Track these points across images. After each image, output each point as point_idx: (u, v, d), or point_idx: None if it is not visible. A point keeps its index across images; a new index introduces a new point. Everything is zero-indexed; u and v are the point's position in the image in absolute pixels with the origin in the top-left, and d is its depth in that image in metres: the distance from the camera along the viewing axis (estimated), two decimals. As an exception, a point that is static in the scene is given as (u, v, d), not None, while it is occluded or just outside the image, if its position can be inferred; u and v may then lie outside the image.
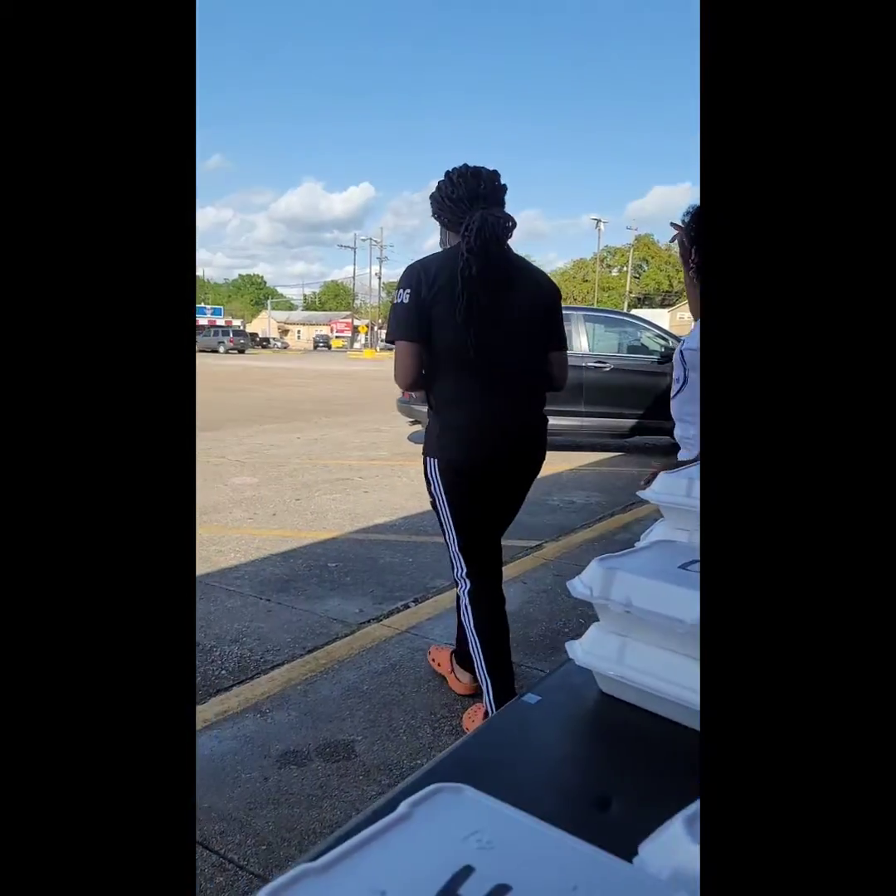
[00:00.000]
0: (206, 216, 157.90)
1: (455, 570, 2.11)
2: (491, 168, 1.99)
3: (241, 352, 46.27)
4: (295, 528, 4.54)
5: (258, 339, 60.82)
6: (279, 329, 75.80)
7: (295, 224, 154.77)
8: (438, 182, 2.02)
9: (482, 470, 2.00)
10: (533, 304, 2.01)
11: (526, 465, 2.10)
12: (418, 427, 7.78)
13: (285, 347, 65.53)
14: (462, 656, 2.31)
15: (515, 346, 1.97)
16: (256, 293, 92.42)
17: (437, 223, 2.06)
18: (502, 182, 1.98)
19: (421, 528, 4.45)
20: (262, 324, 75.17)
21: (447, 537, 2.07)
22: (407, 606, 3.18)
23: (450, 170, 2.00)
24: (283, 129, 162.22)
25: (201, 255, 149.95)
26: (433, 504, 2.07)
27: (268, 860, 1.60)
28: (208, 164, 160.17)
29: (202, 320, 64.24)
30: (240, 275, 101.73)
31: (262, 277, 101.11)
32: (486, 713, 2.09)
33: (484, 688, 2.05)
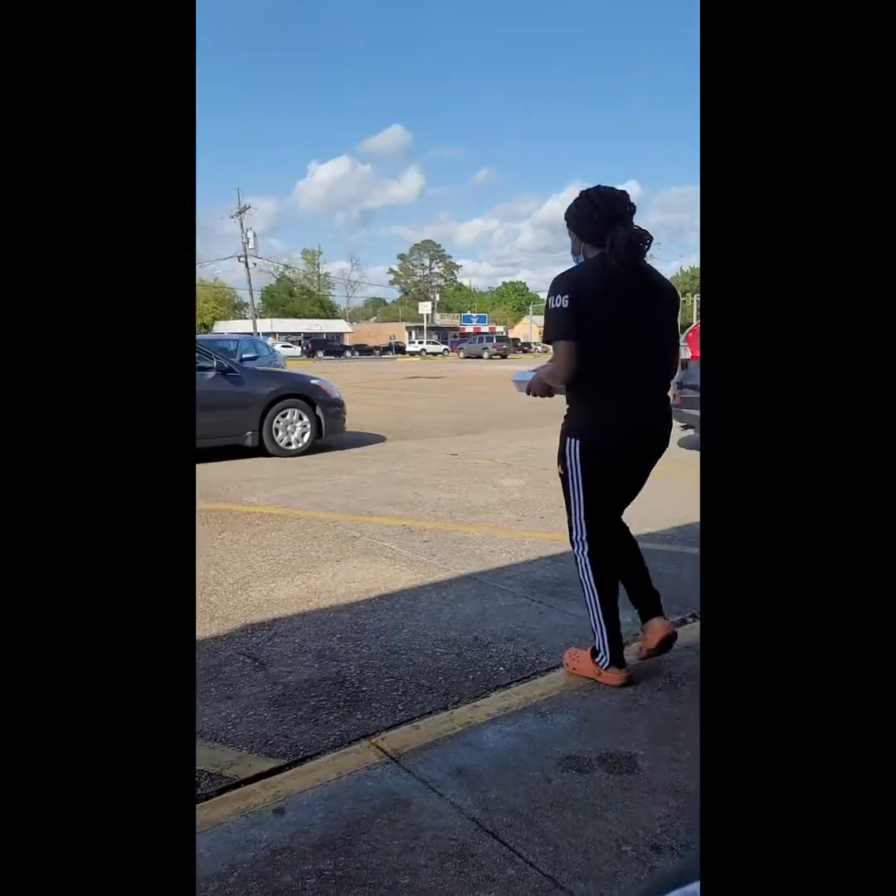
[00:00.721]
0: (473, 228, 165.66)
1: (575, 533, 2.44)
2: (621, 188, 2.30)
3: (504, 357, 47.86)
4: (563, 531, 4.56)
5: (519, 343, 62.48)
6: (539, 333, 77.01)
7: (558, 228, 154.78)
8: (575, 201, 2.32)
9: (616, 452, 2.31)
10: (662, 307, 2.31)
11: (653, 449, 2.39)
12: (691, 431, 7.40)
13: (546, 351, 66.39)
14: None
15: (650, 345, 2.28)
16: (518, 299, 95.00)
17: (572, 235, 2.38)
18: (633, 201, 2.28)
19: (693, 538, 4.24)
20: (524, 329, 77.08)
21: (573, 505, 2.39)
22: (684, 621, 3.04)
23: (586, 190, 2.31)
24: (549, 136, 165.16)
25: (468, 265, 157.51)
26: (563, 476, 2.39)
27: (556, 862, 1.62)
28: (477, 178, 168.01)
29: (468, 328, 67.63)
30: (503, 282, 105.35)
31: (524, 283, 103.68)
32: (594, 651, 2.45)
33: (597, 632, 2.43)
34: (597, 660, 2.45)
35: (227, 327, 52.46)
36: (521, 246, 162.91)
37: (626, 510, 2.57)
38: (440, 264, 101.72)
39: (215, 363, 7.29)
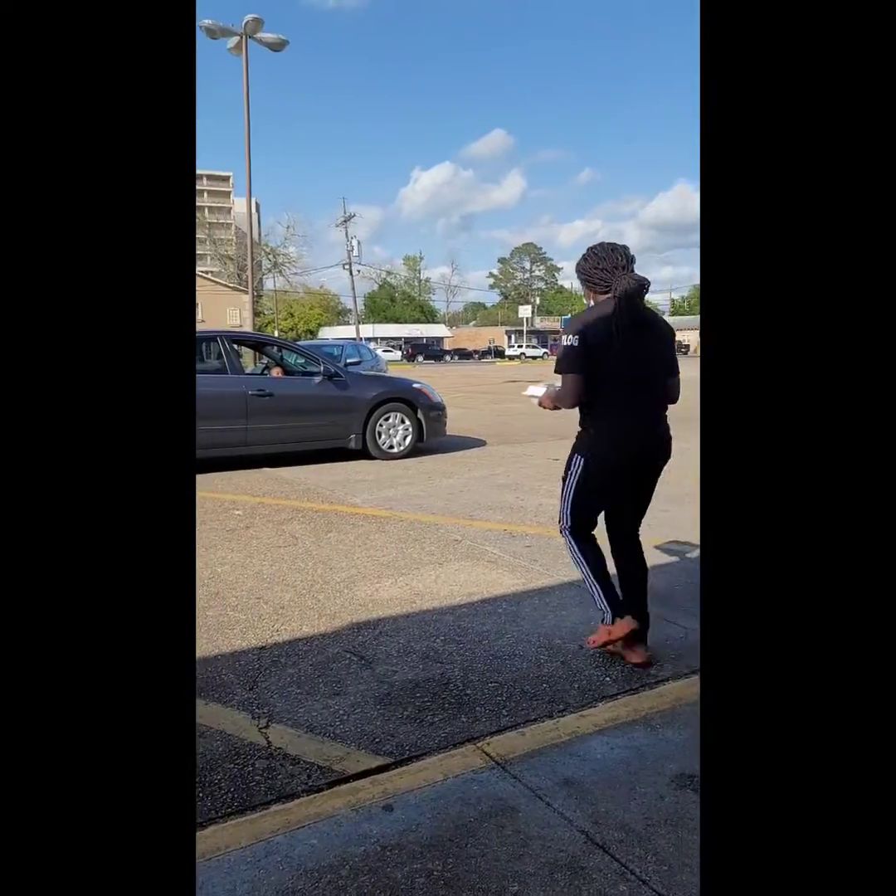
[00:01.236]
0: (575, 229, 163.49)
1: (562, 522, 2.86)
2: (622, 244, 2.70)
3: (605, 360, 46.86)
4: (668, 538, 4.43)
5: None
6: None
7: (665, 228, 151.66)
8: (583, 256, 2.73)
9: (617, 468, 2.69)
10: (658, 343, 2.68)
11: (655, 464, 2.75)
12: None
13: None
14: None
15: (649, 374, 2.66)
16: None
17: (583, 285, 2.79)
18: (632, 253, 2.67)
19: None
20: (626, 332, 75.28)
21: (563, 501, 2.83)
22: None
23: (591, 247, 2.73)
24: (654, 135, 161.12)
25: (569, 268, 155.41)
26: (564, 479, 2.81)
27: (671, 882, 1.57)
28: (579, 178, 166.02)
29: (568, 331, 66.69)
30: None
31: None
32: (603, 612, 2.82)
33: (595, 594, 2.83)
34: (603, 621, 2.81)
35: (331, 333, 54.04)
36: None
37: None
38: (541, 267, 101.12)
39: (322, 368, 7.51)
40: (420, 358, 54.31)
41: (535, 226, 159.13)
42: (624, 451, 2.67)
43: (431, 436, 8.00)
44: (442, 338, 69.56)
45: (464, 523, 4.98)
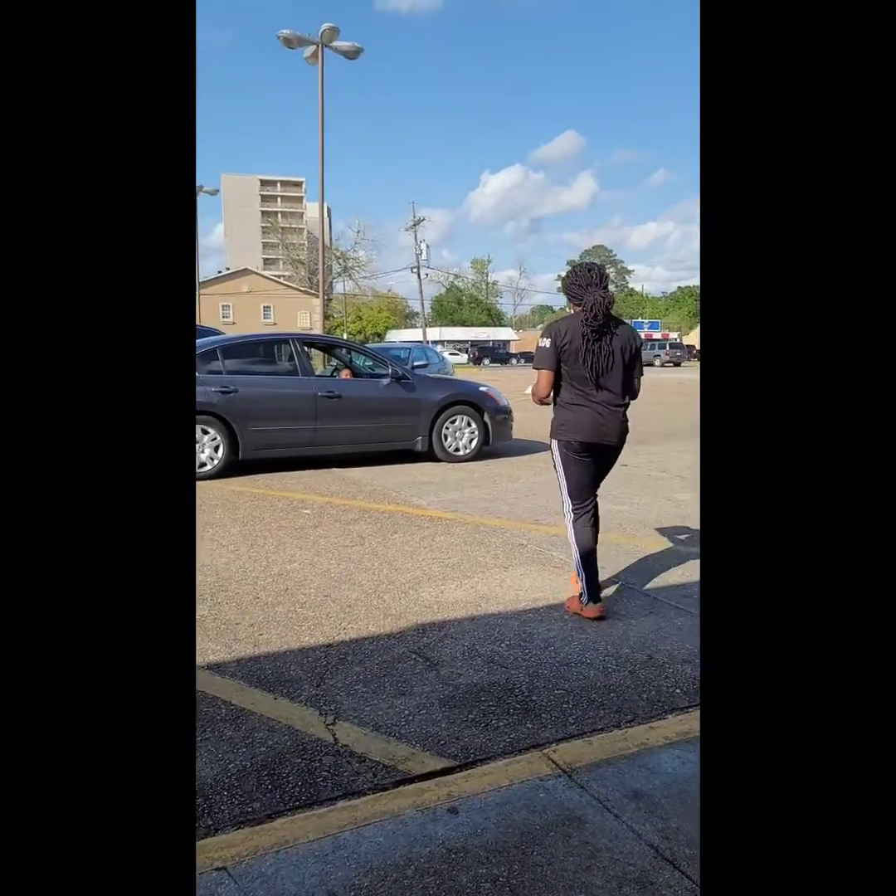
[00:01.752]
0: (647, 232, 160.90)
1: (564, 506, 3.40)
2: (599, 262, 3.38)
3: (677, 364, 46.02)
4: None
5: (695, 351, 59.75)
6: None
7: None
8: (567, 271, 3.32)
9: (583, 448, 3.25)
10: (623, 348, 3.21)
11: (613, 447, 3.31)
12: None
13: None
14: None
15: (612, 373, 3.18)
16: (695, 305, 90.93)
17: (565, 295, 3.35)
18: (606, 271, 3.29)
19: None
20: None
21: (561, 487, 3.40)
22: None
23: (574, 265, 3.34)
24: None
25: (640, 270, 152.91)
26: (555, 467, 3.39)
27: (745, 904, 1.51)
28: (652, 180, 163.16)
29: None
30: (678, 287, 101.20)
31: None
32: (581, 594, 3.32)
33: (580, 577, 3.32)
34: (580, 599, 3.31)
35: (398, 336, 54.59)
36: (698, 249, 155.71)
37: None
38: (611, 270, 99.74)
39: (390, 370, 7.58)
40: (486, 361, 54.27)
41: (605, 228, 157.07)
42: (584, 435, 3.22)
43: (497, 439, 7.98)
44: (508, 341, 69.35)
45: (529, 527, 4.95)
